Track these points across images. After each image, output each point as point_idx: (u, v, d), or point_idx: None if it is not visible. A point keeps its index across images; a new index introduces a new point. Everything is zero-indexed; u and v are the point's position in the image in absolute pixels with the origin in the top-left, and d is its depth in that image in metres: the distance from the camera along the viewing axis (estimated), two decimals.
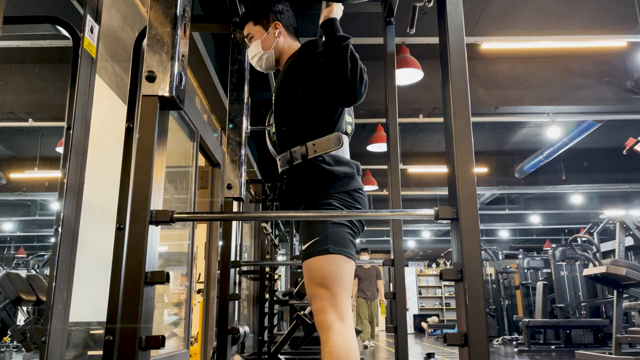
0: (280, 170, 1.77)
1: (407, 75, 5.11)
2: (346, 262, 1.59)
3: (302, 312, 3.84)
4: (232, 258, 2.41)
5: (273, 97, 1.82)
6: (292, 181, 1.69)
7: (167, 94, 1.17)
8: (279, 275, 8.60)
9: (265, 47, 1.84)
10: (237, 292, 2.52)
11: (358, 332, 6.88)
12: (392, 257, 2.16)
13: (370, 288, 8.56)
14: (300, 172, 1.66)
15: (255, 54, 1.86)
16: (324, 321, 1.51)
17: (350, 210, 1.64)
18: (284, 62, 1.84)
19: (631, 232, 5.78)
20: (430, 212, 1.15)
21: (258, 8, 1.88)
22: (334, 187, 1.63)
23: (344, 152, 1.70)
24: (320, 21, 1.65)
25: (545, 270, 10.19)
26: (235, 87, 2.45)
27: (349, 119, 1.80)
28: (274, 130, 1.83)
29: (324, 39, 1.69)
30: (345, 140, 1.72)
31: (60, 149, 1.80)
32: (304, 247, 1.62)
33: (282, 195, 1.75)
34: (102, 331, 1.98)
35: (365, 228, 1.79)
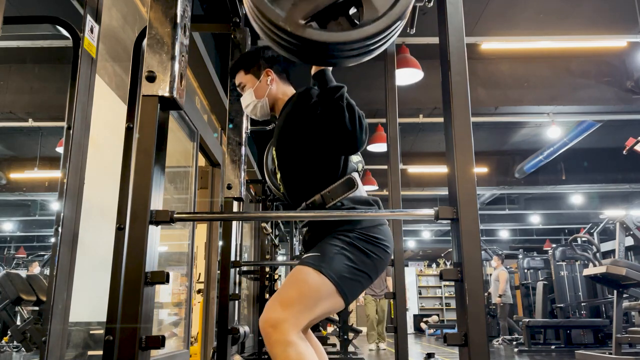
0: (299, 225, 1.75)
1: (407, 75, 5.11)
2: (333, 293, 1.49)
3: None
4: (232, 258, 2.41)
5: (273, 150, 1.79)
6: (315, 231, 1.67)
7: (167, 94, 1.16)
8: (279, 275, 8.57)
9: (259, 95, 1.82)
10: (237, 292, 2.52)
11: (358, 333, 6.81)
12: (392, 257, 2.16)
13: (380, 285, 8.07)
14: (321, 222, 1.64)
15: (249, 103, 1.84)
16: (281, 330, 1.40)
17: (372, 245, 1.57)
18: (279, 109, 1.82)
19: (631, 232, 5.78)
20: (430, 212, 1.15)
21: (248, 56, 1.85)
22: (356, 223, 1.58)
23: (361, 192, 1.68)
24: (312, 72, 1.60)
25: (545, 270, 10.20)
26: (235, 87, 2.45)
27: (356, 157, 1.78)
28: (279, 181, 1.80)
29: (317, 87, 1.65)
30: (359, 179, 1.69)
31: (60, 149, 1.80)
32: (303, 256, 1.59)
33: (306, 245, 1.72)
34: (102, 331, 1.98)
35: None
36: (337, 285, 1.48)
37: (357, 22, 1.14)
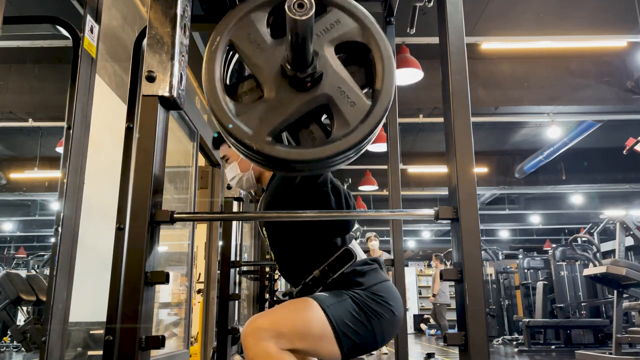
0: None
1: (407, 75, 5.11)
2: (329, 337, 1.39)
3: None
4: (232, 258, 2.42)
5: (264, 230, 1.74)
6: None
7: (167, 94, 1.16)
8: (279, 275, 8.54)
9: (244, 168, 1.78)
10: (237, 292, 2.52)
11: None
12: (392, 257, 2.16)
13: None
14: (328, 287, 1.56)
15: (234, 177, 1.80)
16: (260, 345, 1.33)
17: (380, 306, 1.50)
18: (266, 181, 1.78)
19: (631, 232, 5.78)
20: (430, 212, 1.15)
21: None
22: (362, 284, 1.53)
23: (360, 257, 1.61)
24: None
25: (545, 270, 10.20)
26: None
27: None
28: (274, 259, 1.76)
29: None
30: (356, 246, 1.64)
31: (60, 149, 1.80)
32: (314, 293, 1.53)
33: None
34: (102, 331, 1.98)
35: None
36: (336, 331, 1.40)
37: (329, 129, 1.07)
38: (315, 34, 1.07)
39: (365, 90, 1.10)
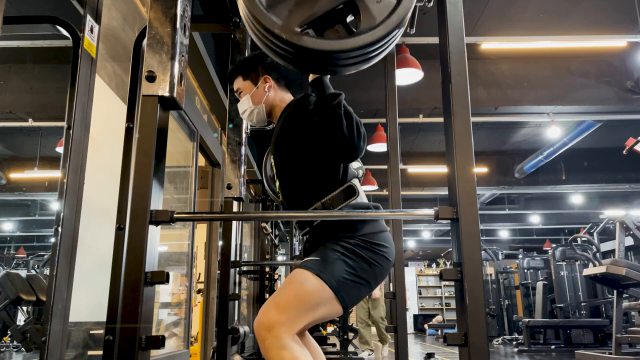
0: (300, 233, 1.73)
1: (407, 75, 5.11)
2: (331, 299, 1.47)
3: None
4: (232, 258, 2.41)
5: (272, 158, 1.78)
6: (316, 239, 1.64)
7: (167, 94, 1.17)
8: (279, 275, 8.52)
9: (256, 102, 1.81)
10: (237, 292, 2.52)
11: (355, 332, 6.75)
12: (393, 264, 2.16)
13: None
14: (322, 230, 1.62)
15: (246, 109, 1.83)
16: (276, 334, 1.39)
17: (373, 253, 1.55)
18: (277, 116, 1.81)
19: (631, 232, 5.78)
20: (430, 212, 1.15)
21: (247, 62, 1.85)
22: (357, 230, 1.56)
23: (362, 199, 1.65)
24: (310, 79, 1.58)
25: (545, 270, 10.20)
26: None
27: (356, 164, 1.76)
28: (278, 190, 1.79)
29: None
30: (359, 185, 1.67)
31: (60, 149, 1.80)
32: (303, 260, 1.57)
33: (306, 252, 1.70)
34: (102, 331, 1.98)
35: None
36: (336, 292, 1.47)
37: (355, 30, 1.12)
38: None
39: None
